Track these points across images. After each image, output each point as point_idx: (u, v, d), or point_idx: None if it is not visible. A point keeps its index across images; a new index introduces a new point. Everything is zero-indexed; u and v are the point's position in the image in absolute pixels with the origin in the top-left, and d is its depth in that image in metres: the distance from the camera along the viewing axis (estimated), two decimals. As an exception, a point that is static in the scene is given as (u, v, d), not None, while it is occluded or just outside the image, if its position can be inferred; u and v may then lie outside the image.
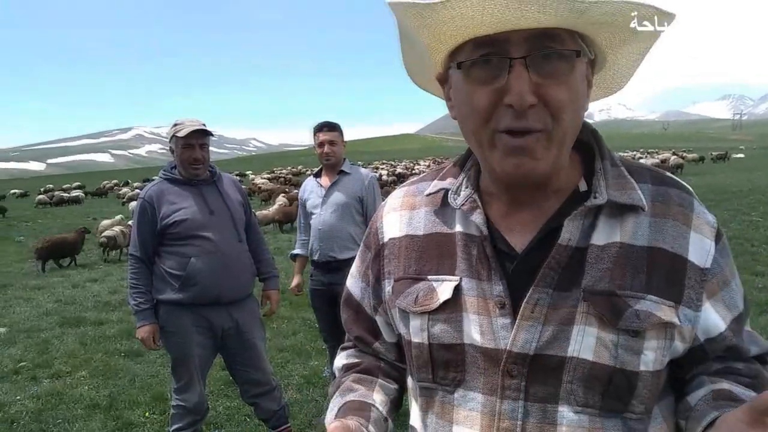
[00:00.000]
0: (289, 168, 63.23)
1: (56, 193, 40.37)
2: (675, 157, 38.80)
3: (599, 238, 0.80)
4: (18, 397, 4.57)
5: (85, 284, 9.55)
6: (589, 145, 0.88)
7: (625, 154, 54.05)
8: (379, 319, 1.01)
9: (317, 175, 3.89)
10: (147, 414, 4.16)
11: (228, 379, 4.62)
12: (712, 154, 46.01)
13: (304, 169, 54.32)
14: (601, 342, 0.77)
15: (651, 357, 0.78)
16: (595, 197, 0.80)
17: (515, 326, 0.80)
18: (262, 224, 16.32)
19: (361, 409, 0.92)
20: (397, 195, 1.01)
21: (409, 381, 0.97)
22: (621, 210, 0.81)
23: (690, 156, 44.99)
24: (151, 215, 2.98)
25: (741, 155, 53.76)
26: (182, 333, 3.03)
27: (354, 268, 1.07)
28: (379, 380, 1.01)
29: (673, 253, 0.80)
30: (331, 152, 3.70)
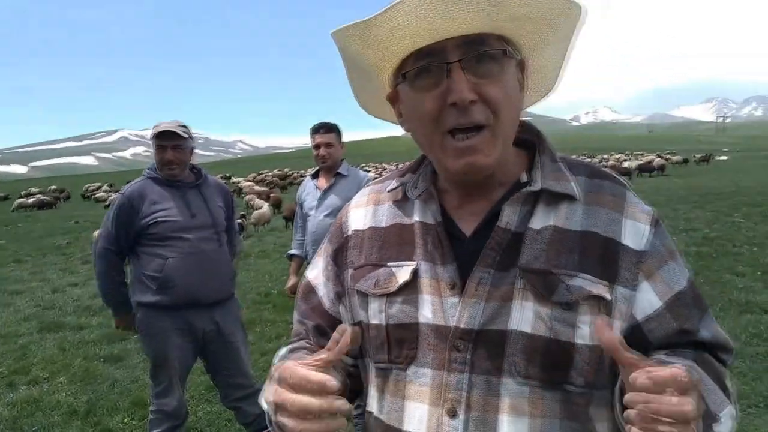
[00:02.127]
0: (276, 171, 63.00)
1: (34, 197, 39.73)
2: (659, 159, 39.21)
3: (536, 223, 0.88)
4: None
5: (65, 288, 9.40)
6: (533, 144, 0.98)
7: (611, 156, 54.67)
8: (341, 309, 1.03)
9: (315, 176, 3.85)
10: (126, 420, 4.09)
11: (209, 383, 4.55)
12: (695, 157, 46.57)
13: (291, 172, 54.08)
14: (537, 315, 0.83)
15: (586, 331, 0.82)
16: (531, 185, 0.89)
17: (461, 304, 0.86)
18: (260, 223, 16.27)
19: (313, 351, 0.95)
20: (364, 192, 1.09)
21: (366, 366, 1.00)
22: (556, 199, 0.89)
23: (674, 158, 45.51)
24: (129, 212, 2.94)
25: (725, 157, 54.49)
26: (161, 336, 2.98)
27: (318, 263, 1.10)
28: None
29: (606, 237, 0.86)
30: (326, 154, 3.66)
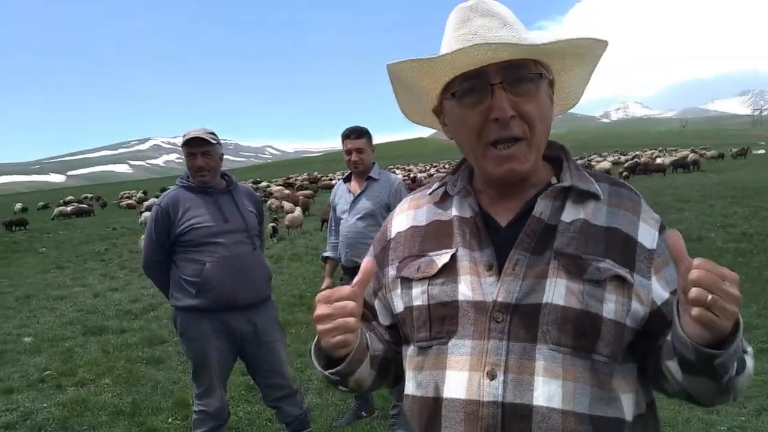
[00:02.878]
0: (305, 174, 63.47)
1: (72, 205, 40.78)
2: (693, 154, 38.29)
3: (567, 216, 1.01)
4: (44, 405, 4.66)
5: (106, 293, 9.68)
6: (559, 158, 1.12)
7: (644, 152, 53.50)
8: (377, 303, 1.16)
9: (347, 179, 3.91)
10: (170, 420, 4.22)
11: (249, 384, 4.66)
12: (731, 151, 45.30)
13: (320, 175, 54.45)
14: (569, 290, 0.94)
15: (612, 307, 0.94)
16: (561, 182, 1.04)
17: (500, 281, 0.97)
18: (293, 226, 16.44)
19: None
20: (405, 201, 1.23)
21: (407, 352, 1.09)
22: (582, 197, 1.03)
23: (709, 153, 44.35)
24: (166, 221, 3.06)
25: (762, 151, 52.85)
26: (201, 338, 3.07)
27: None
28: (369, 333, 1.11)
29: (626, 233, 1.00)
30: (358, 160, 3.71)
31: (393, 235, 1.16)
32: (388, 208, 3.55)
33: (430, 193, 1.16)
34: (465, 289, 0.99)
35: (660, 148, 65.87)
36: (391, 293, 1.11)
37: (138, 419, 4.27)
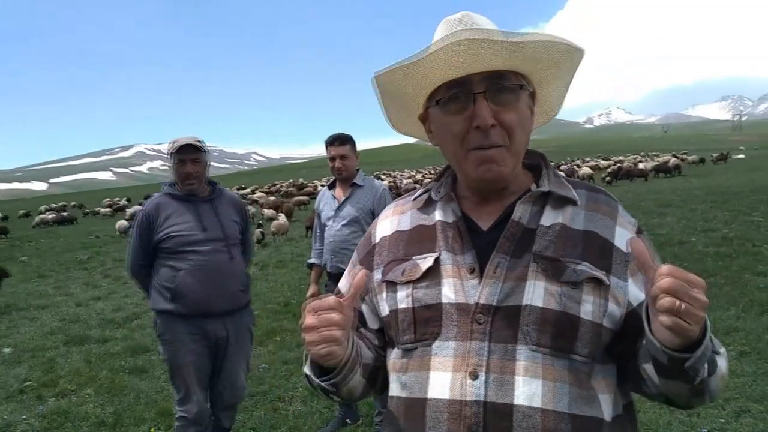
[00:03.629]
0: (290, 181, 63.24)
1: (54, 213, 40.31)
2: (675, 159, 38.80)
3: (546, 220, 1.06)
4: (24, 417, 4.59)
5: (89, 302, 9.56)
6: (538, 166, 1.16)
7: (626, 157, 54.10)
8: (364, 308, 1.19)
9: (332, 186, 3.92)
10: (153, 430, 4.17)
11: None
12: (712, 156, 45.98)
13: (305, 182, 54.33)
14: (548, 292, 0.98)
15: (589, 308, 0.98)
16: (539, 187, 1.09)
17: (482, 283, 1.01)
18: (279, 233, 16.40)
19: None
20: (390, 207, 1.28)
21: (391, 355, 1.13)
22: (561, 202, 1.08)
23: (690, 158, 44.97)
24: (148, 227, 3.12)
25: (742, 156, 53.71)
26: (177, 341, 3.12)
27: (345, 271, 1.29)
28: (359, 341, 1.13)
29: (603, 237, 1.05)
30: (342, 166, 3.72)
31: (377, 240, 1.20)
32: (373, 215, 3.57)
33: (414, 199, 1.21)
34: (448, 291, 1.03)
35: (642, 153, 66.67)
36: (377, 297, 1.14)
37: (120, 430, 4.23)
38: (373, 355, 1.16)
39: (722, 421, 3.63)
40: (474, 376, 0.96)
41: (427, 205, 1.17)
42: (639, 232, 1.08)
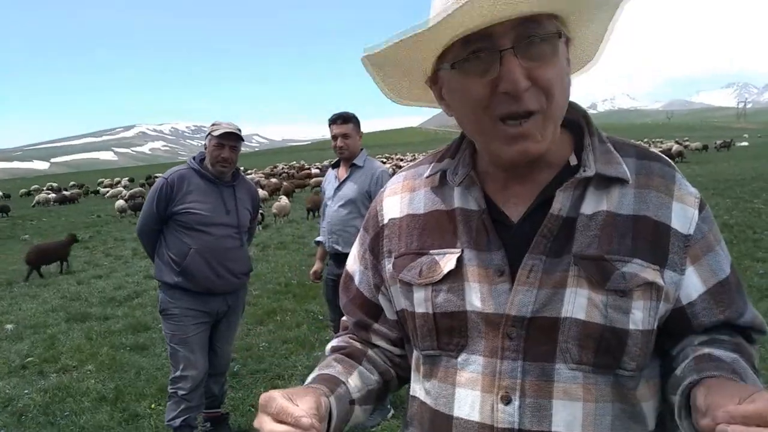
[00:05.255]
0: (293, 163, 63.10)
1: (55, 193, 40.33)
2: (678, 146, 38.65)
3: (588, 208, 0.86)
4: (26, 391, 4.63)
5: (90, 281, 9.61)
6: (578, 124, 0.94)
7: (629, 144, 53.59)
8: (381, 298, 1.04)
9: (335, 165, 3.91)
10: (153, 406, 4.21)
11: (233, 370, 4.67)
12: (715, 143, 45.78)
13: (307, 166, 54.19)
14: (591, 302, 0.82)
15: (639, 316, 0.82)
16: (584, 170, 0.86)
17: (512, 291, 0.85)
18: (281, 215, 16.49)
19: (330, 381, 0.95)
20: (397, 179, 1.06)
21: (413, 352, 1.01)
22: (607, 182, 0.87)
23: (693, 145, 44.77)
24: (168, 196, 3.16)
25: (745, 143, 53.50)
26: (180, 315, 3.20)
27: (353, 251, 1.12)
28: (361, 366, 1.03)
29: (657, 221, 0.85)
30: (344, 145, 3.70)
31: (386, 221, 1.02)
32: (370, 197, 3.56)
33: (427, 177, 0.99)
34: (474, 298, 0.88)
35: (646, 140, 66.44)
36: (390, 289, 1.00)
37: (121, 405, 4.26)
38: (378, 374, 1.04)
39: None
40: (506, 401, 0.84)
41: (442, 186, 0.97)
42: (702, 206, 0.89)
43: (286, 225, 16.05)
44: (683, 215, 0.86)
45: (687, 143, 47.66)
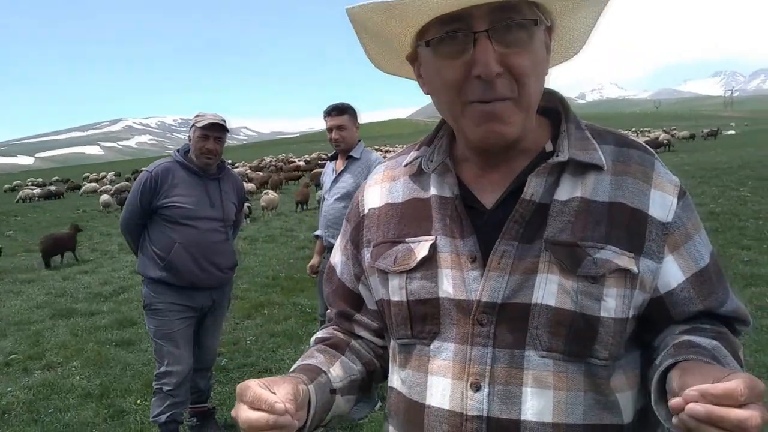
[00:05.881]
0: (281, 156, 62.77)
1: (40, 188, 39.77)
2: (665, 134, 38.90)
3: (562, 194, 0.86)
4: (9, 389, 4.58)
5: (75, 276, 9.51)
6: (556, 111, 0.94)
7: (617, 133, 53.89)
8: (361, 288, 1.04)
9: (333, 158, 3.85)
10: (139, 401, 4.19)
11: (220, 365, 4.65)
12: (703, 132, 46.11)
13: (294, 158, 53.97)
14: (562, 289, 0.81)
15: (612, 304, 0.82)
16: (558, 155, 0.86)
17: (484, 277, 0.85)
18: (269, 208, 16.46)
19: (311, 371, 0.93)
20: (379, 170, 1.07)
21: (390, 342, 1.01)
22: (583, 168, 0.86)
23: (681, 134, 45.05)
24: (153, 189, 3.10)
25: (732, 132, 53.95)
26: (165, 310, 3.16)
27: (337, 243, 1.12)
28: (343, 357, 1.01)
29: (633, 208, 0.84)
30: (339, 137, 3.62)
31: (366, 211, 1.02)
32: None
33: (405, 165, 1.00)
34: (446, 285, 0.88)
35: (633, 129, 66.79)
36: (369, 279, 1.01)
37: (106, 401, 4.23)
38: (361, 364, 1.03)
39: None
40: (476, 388, 0.83)
41: (420, 173, 0.97)
42: (682, 194, 0.88)
43: (274, 218, 15.98)
44: (662, 203, 0.85)
45: (674, 132, 47.97)
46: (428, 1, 0.76)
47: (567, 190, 0.85)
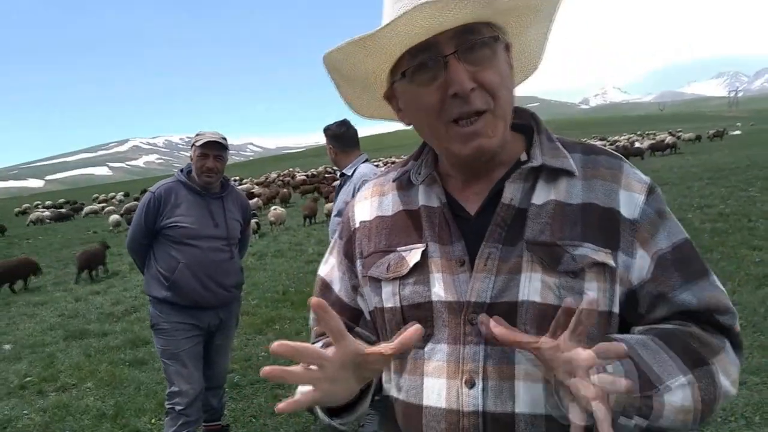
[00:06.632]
0: (287, 170, 62.96)
1: (49, 210, 40.10)
2: (671, 137, 38.76)
3: (538, 198, 0.92)
4: (25, 411, 4.60)
5: (87, 297, 9.56)
6: (530, 127, 1.02)
7: (623, 137, 54.05)
8: (359, 301, 1.08)
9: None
10: (153, 421, 4.19)
11: (233, 381, 4.66)
12: (708, 133, 45.90)
13: (300, 172, 54.09)
14: (545, 285, 0.87)
15: (594, 297, 0.83)
16: (531, 162, 0.94)
17: (472, 279, 0.90)
18: (277, 223, 16.49)
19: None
20: (368, 186, 1.13)
21: None
22: (555, 174, 0.94)
23: (686, 136, 44.87)
24: (156, 209, 3.13)
25: (738, 132, 53.64)
26: (171, 329, 3.17)
27: (329, 260, 1.15)
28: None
29: (605, 207, 0.91)
30: (330, 157, 3.74)
31: (357, 224, 1.08)
32: None
33: (394, 180, 1.07)
34: (438, 288, 0.93)
35: (638, 132, 66.57)
36: (363, 290, 1.05)
37: (121, 421, 4.24)
38: None
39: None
40: (470, 384, 0.87)
41: (409, 187, 1.04)
42: (651, 191, 0.93)
43: (282, 233, 16.02)
44: (630, 201, 0.91)
45: (680, 134, 47.80)
46: (398, 33, 0.83)
47: (542, 195, 0.92)
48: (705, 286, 0.92)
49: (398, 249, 0.98)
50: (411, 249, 0.97)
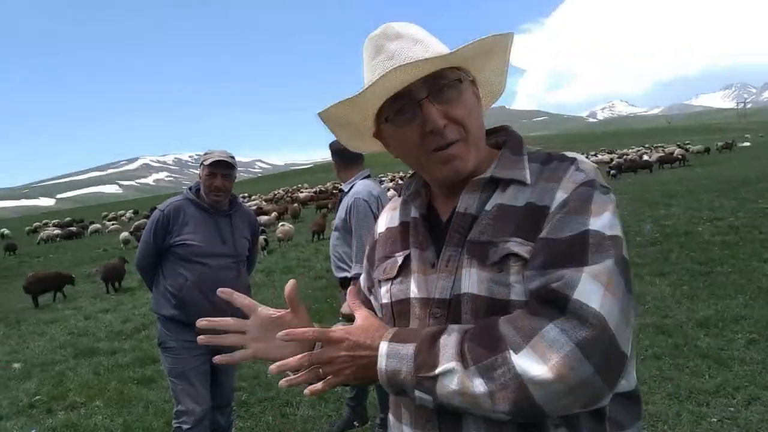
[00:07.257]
0: (296, 186, 63.18)
1: (60, 228, 40.38)
2: (679, 149, 38.63)
3: (489, 205, 1.04)
4: (34, 430, 4.60)
5: (97, 315, 9.61)
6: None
7: (631, 150, 53.84)
8: (372, 298, 1.27)
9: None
10: (161, 439, 4.18)
11: (240, 399, 4.64)
12: (717, 145, 45.70)
13: (308, 188, 54.27)
14: (480, 278, 0.98)
15: (519, 288, 0.94)
16: (482, 174, 1.06)
17: (436, 278, 1.05)
18: (285, 239, 16.53)
19: None
20: (391, 201, 1.33)
21: None
22: (507, 184, 1.04)
23: (695, 148, 44.69)
24: (165, 227, 3.15)
25: (747, 144, 53.36)
26: (179, 348, 3.17)
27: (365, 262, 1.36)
28: None
29: (540, 205, 0.98)
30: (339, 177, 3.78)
31: (377, 236, 1.27)
32: (347, 223, 3.51)
33: (400, 196, 1.26)
34: (414, 287, 1.09)
35: (647, 145, 66.32)
36: (374, 289, 1.24)
37: (129, 440, 4.23)
38: None
39: (732, 409, 3.60)
40: None
41: (407, 202, 1.22)
42: (582, 184, 0.96)
43: (290, 249, 16.05)
44: (561, 196, 0.96)
45: (688, 146, 47.62)
46: (378, 90, 1.00)
47: (493, 202, 1.04)
48: (568, 272, 0.89)
49: (395, 255, 1.17)
50: (401, 254, 1.15)
